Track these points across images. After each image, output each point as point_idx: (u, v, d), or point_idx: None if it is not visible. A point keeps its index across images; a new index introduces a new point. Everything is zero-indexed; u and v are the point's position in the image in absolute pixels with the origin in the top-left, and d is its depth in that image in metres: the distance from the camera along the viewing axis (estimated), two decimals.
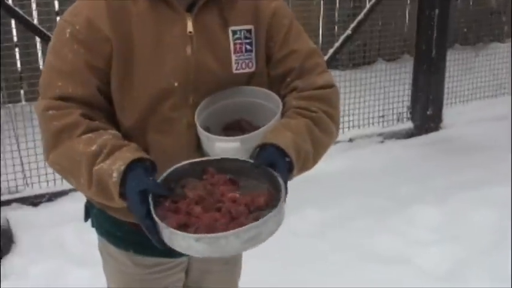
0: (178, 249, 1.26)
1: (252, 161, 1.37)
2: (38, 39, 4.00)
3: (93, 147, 1.36)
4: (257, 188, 1.33)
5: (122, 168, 1.32)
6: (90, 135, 1.39)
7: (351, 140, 4.31)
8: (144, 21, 1.45)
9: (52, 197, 3.50)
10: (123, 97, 1.46)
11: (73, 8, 1.48)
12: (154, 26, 1.45)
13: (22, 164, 3.52)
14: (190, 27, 1.45)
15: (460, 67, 4.99)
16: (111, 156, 1.35)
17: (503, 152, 4.15)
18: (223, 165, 1.38)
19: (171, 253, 1.31)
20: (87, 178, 1.37)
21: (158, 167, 1.40)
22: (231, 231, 1.21)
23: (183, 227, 1.26)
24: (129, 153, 1.36)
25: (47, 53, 1.50)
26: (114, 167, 1.33)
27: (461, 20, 5.64)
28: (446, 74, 4.58)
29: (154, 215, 1.26)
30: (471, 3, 5.79)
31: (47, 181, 3.51)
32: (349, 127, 4.39)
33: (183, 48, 1.45)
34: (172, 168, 1.37)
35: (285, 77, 1.54)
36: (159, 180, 1.34)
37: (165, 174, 1.36)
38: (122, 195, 1.33)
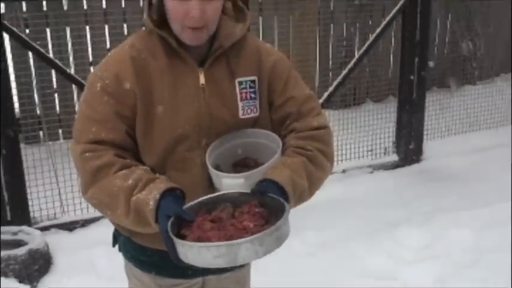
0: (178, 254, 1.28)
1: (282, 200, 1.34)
2: (74, 86, 4.04)
3: (130, 182, 1.37)
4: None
5: (157, 196, 1.33)
6: (124, 171, 1.39)
7: (344, 171, 4.28)
8: (163, 75, 1.45)
9: (85, 223, 3.49)
10: (145, 141, 1.46)
11: (103, 64, 1.49)
12: (171, 80, 1.45)
13: (60, 195, 3.51)
14: (202, 80, 1.46)
15: (438, 107, 4.99)
16: (147, 187, 1.36)
17: (476, 180, 4.13)
18: (266, 200, 1.36)
19: (186, 274, 1.30)
20: (124, 209, 1.37)
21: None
22: (201, 243, 1.22)
23: (197, 238, 1.27)
24: (163, 184, 1.37)
25: (80, 103, 1.50)
26: (150, 196, 1.34)
27: (438, 66, 5.66)
28: (426, 113, 4.57)
29: (169, 230, 1.27)
30: (446, 51, 5.82)
31: (81, 209, 3.51)
32: (342, 160, 4.37)
33: (197, 99, 1.46)
34: (220, 193, 1.39)
35: (285, 120, 1.54)
36: (204, 199, 1.38)
37: (212, 196, 1.38)
38: (157, 220, 1.34)
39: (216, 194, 1.40)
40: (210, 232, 1.27)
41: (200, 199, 1.38)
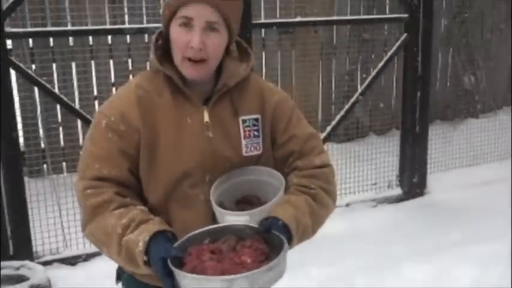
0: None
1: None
2: (79, 121, 4.08)
3: (124, 221, 1.38)
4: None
5: (147, 238, 1.34)
6: (121, 210, 1.41)
7: (347, 205, 4.28)
8: (168, 113, 1.48)
9: (88, 257, 3.48)
10: (149, 178, 1.48)
11: (109, 103, 1.52)
12: (176, 117, 1.48)
13: (63, 228, 3.52)
14: (206, 117, 1.49)
15: (441, 140, 5.00)
16: (139, 228, 1.37)
17: (479, 214, 4.11)
18: (270, 237, 1.37)
19: None
20: (117, 247, 1.38)
21: (179, 236, 1.40)
22: (195, 275, 1.24)
23: (193, 268, 1.28)
24: (155, 226, 1.38)
25: (85, 140, 1.53)
26: (140, 237, 1.34)
27: (440, 99, 5.70)
28: (429, 146, 4.58)
29: (170, 264, 1.28)
30: (448, 85, 5.87)
31: (84, 243, 3.50)
32: (346, 193, 4.36)
33: (201, 136, 1.48)
34: (227, 224, 1.40)
35: (288, 158, 1.56)
36: (210, 228, 1.39)
37: (218, 226, 1.39)
38: (146, 262, 1.34)
39: (223, 224, 1.40)
40: (208, 263, 1.28)
41: (206, 228, 1.39)
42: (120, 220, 1.39)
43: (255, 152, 1.53)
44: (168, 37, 1.48)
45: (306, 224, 1.44)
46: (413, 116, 4.40)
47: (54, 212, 3.52)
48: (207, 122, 1.49)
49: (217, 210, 1.44)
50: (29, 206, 3.34)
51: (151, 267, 1.34)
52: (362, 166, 4.50)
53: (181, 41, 1.43)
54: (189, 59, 1.44)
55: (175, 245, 1.34)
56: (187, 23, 1.43)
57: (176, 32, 1.45)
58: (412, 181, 4.48)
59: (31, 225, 3.36)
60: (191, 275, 1.24)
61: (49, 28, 3.73)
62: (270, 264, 1.25)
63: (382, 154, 4.59)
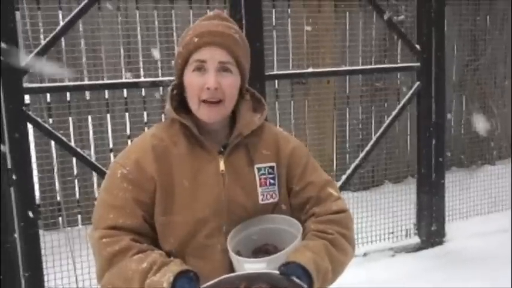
0: None
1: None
2: (94, 173, 4.10)
3: (144, 265, 1.38)
4: None
5: (171, 279, 1.33)
6: (140, 255, 1.41)
7: (365, 255, 4.21)
8: (183, 162, 1.49)
9: None
10: (164, 227, 1.48)
11: (124, 153, 1.54)
12: (191, 166, 1.49)
13: (77, 282, 3.49)
14: (222, 166, 1.50)
15: (458, 187, 4.95)
16: (161, 270, 1.37)
17: (500, 263, 4.01)
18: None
19: None
20: None
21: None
22: None
23: None
24: (176, 266, 1.38)
25: (100, 191, 1.54)
26: (164, 278, 1.34)
27: (455, 146, 5.68)
28: (446, 194, 4.53)
29: None
30: (463, 132, 5.85)
31: None
32: (362, 243, 4.30)
33: (216, 185, 1.49)
34: (267, 271, 1.37)
35: (305, 205, 1.56)
36: (251, 273, 1.36)
37: (260, 272, 1.37)
38: None
39: (263, 271, 1.38)
40: None
41: (244, 272, 1.38)
42: (141, 264, 1.38)
43: (271, 200, 1.54)
44: (183, 87, 1.51)
45: (325, 268, 1.43)
46: (429, 163, 4.38)
47: (69, 264, 3.50)
48: (222, 171, 1.50)
49: (235, 258, 1.43)
50: (43, 259, 3.33)
51: None
52: (378, 215, 4.44)
53: (197, 84, 1.47)
54: (206, 102, 1.47)
55: (210, 283, 1.33)
56: (201, 67, 1.47)
57: (190, 77, 1.48)
58: (430, 229, 4.41)
59: (45, 278, 3.34)
60: None
61: (66, 83, 3.81)
62: None
63: (398, 202, 4.54)
